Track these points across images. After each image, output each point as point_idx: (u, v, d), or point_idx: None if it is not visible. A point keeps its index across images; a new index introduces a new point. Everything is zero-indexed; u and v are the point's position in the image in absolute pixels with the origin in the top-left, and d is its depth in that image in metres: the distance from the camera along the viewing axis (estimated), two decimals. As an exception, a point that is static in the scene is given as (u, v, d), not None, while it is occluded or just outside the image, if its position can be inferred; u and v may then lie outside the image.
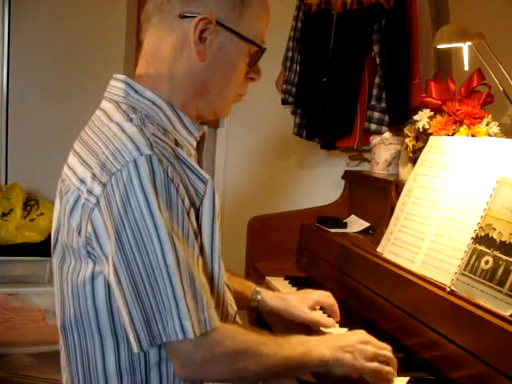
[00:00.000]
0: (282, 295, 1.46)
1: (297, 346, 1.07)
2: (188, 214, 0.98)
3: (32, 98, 2.56)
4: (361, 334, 1.18)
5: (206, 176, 1.02)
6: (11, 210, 2.27)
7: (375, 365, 1.13)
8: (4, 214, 2.26)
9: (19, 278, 2.25)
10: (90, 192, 0.97)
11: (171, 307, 0.92)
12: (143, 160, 0.93)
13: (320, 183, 2.63)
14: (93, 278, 1.00)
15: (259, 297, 1.42)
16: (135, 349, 0.94)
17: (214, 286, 1.04)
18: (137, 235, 0.92)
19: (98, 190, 0.95)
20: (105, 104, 1.09)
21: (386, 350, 1.16)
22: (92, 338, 1.02)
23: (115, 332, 1.00)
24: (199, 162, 1.15)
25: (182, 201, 0.96)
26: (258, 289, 1.43)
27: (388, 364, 1.15)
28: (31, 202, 2.37)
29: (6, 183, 2.54)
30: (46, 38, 2.56)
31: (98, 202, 0.95)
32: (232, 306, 1.12)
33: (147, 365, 1.01)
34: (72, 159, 1.09)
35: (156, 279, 0.92)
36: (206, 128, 1.16)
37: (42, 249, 2.25)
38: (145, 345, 0.94)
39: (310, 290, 1.47)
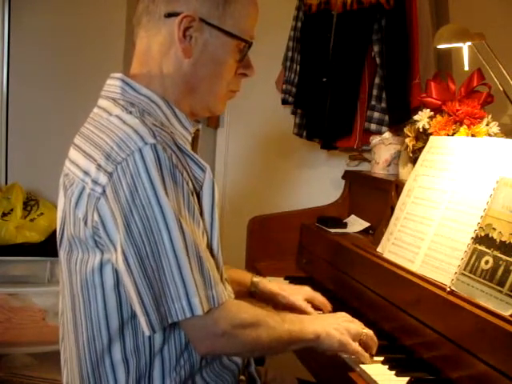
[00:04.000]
0: (279, 284, 1.55)
1: (294, 321, 1.15)
2: (193, 195, 1.01)
3: (32, 98, 2.56)
4: (343, 314, 1.28)
5: (205, 164, 1.05)
6: (11, 210, 2.27)
7: (358, 347, 1.20)
8: (4, 214, 2.26)
9: (19, 278, 2.25)
10: (95, 182, 0.99)
11: (178, 288, 0.96)
12: (148, 149, 0.95)
13: (320, 183, 2.63)
14: (101, 266, 1.02)
15: (258, 283, 1.50)
16: (147, 332, 0.98)
17: None
18: (145, 222, 0.95)
19: (103, 179, 0.98)
20: (102, 102, 1.12)
21: (367, 328, 1.24)
22: (99, 327, 1.04)
23: (122, 322, 1.04)
24: None
25: (187, 183, 1.00)
26: (256, 279, 1.51)
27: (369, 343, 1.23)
28: (31, 202, 2.37)
29: (6, 183, 2.54)
30: (47, 37, 2.56)
31: (104, 191, 0.98)
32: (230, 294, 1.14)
33: (152, 350, 1.05)
34: (74, 153, 1.11)
35: (163, 263, 0.96)
36: (200, 125, 1.18)
37: (42, 249, 2.26)
38: (156, 327, 0.98)
39: (303, 287, 1.58)
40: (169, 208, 0.95)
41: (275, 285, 1.52)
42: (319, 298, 1.54)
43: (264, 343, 1.07)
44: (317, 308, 1.51)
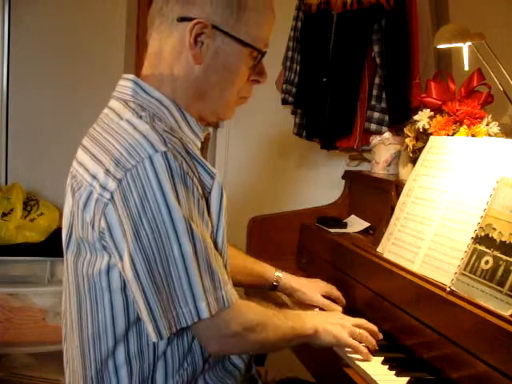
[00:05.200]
0: (299, 279, 1.59)
1: (295, 318, 1.18)
2: (202, 199, 1.01)
3: (32, 98, 2.57)
4: (338, 313, 1.38)
5: (214, 171, 1.05)
6: (11, 210, 2.27)
7: (353, 341, 1.24)
8: (4, 214, 2.26)
9: (19, 278, 2.25)
10: (103, 187, 0.98)
11: (185, 294, 0.96)
12: (159, 156, 0.95)
13: (320, 183, 2.63)
14: (108, 269, 1.02)
15: (280, 278, 1.55)
16: (154, 338, 0.98)
17: None
18: (154, 229, 0.95)
19: (112, 185, 0.97)
20: (113, 103, 1.11)
21: (361, 327, 1.28)
22: (105, 329, 1.04)
23: (128, 323, 1.04)
24: None
25: (197, 189, 1.00)
26: (278, 273, 1.56)
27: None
28: (31, 202, 2.37)
29: (6, 183, 2.55)
30: (47, 37, 2.56)
31: (112, 197, 0.97)
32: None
33: (155, 353, 1.05)
34: (82, 155, 1.10)
35: (171, 270, 0.96)
36: (211, 129, 1.17)
37: (42, 249, 2.26)
38: (164, 333, 0.98)
39: (318, 280, 1.61)
40: (179, 215, 0.95)
41: (295, 281, 1.57)
42: (334, 292, 1.58)
43: (271, 342, 1.11)
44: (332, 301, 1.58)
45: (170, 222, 0.95)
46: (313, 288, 1.56)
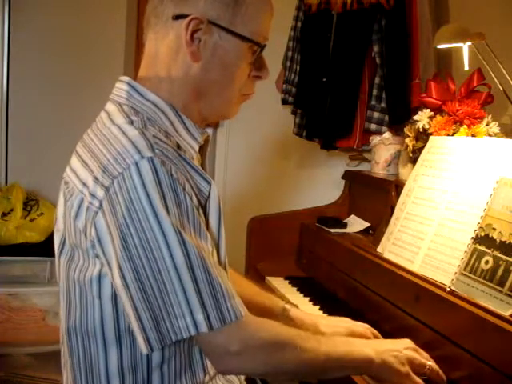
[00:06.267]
0: (313, 317, 1.40)
1: (339, 344, 1.07)
2: (198, 210, 0.97)
3: (32, 98, 2.57)
4: (407, 341, 1.17)
5: (210, 178, 1.02)
6: (11, 210, 2.28)
7: (420, 381, 1.10)
8: (4, 214, 2.26)
9: (19, 278, 2.25)
10: (92, 195, 0.96)
11: (181, 305, 0.92)
12: (145, 162, 0.92)
13: (320, 183, 2.63)
14: (100, 277, 1.00)
15: (287, 314, 1.38)
16: (144, 350, 0.94)
17: None
18: (142, 238, 0.91)
19: (100, 193, 0.95)
20: (109, 106, 1.08)
21: (431, 361, 1.15)
22: (95, 338, 1.02)
23: (119, 333, 1.01)
24: (202, 165, 1.14)
25: (190, 198, 0.96)
26: (288, 306, 1.40)
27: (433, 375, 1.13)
28: (31, 202, 2.38)
29: (6, 183, 2.55)
30: (47, 38, 2.56)
31: (100, 205, 0.95)
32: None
33: (149, 365, 1.02)
34: (74, 162, 1.08)
35: (163, 280, 0.92)
36: (210, 131, 1.14)
37: (42, 249, 2.26)
38: (154, 345, 0.93)
39: (345, 319, 1.38)
40: (167, 222, 0.91)
41: (306, 320, 1.36)
42: (361, 333, 1.32)
43: (289, 366, 1.01)
44: None
45: (159, 230, 0.91)
46: (328, 329, 1.32)
